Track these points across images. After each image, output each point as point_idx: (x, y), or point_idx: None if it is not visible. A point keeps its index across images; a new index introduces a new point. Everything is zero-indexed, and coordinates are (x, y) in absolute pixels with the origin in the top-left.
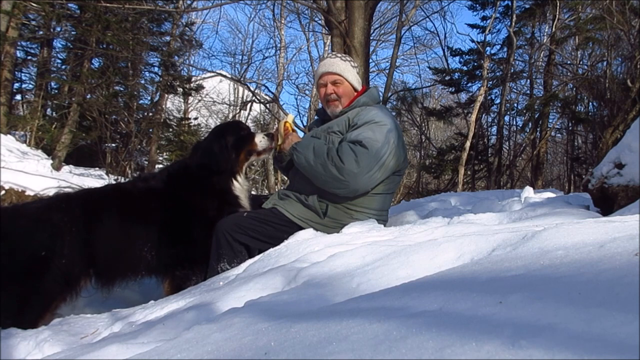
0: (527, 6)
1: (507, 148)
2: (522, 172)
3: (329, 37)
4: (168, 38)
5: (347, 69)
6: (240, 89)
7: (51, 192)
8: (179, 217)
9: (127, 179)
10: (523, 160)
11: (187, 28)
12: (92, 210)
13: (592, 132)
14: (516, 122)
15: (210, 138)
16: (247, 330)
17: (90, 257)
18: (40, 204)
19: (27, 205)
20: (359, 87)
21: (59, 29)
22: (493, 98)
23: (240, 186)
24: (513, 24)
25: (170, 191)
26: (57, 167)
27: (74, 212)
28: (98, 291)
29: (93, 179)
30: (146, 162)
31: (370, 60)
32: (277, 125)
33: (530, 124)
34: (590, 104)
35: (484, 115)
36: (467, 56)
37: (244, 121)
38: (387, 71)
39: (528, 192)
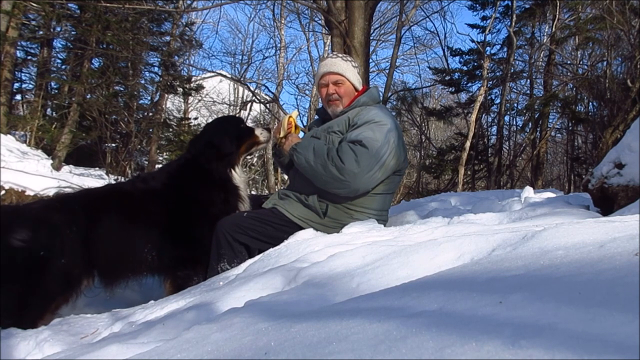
0: (527, 6)
1: (507, 148)
2: (522, 172)
3: (329, 37)
4: (168, 38)
5: (348, 69)
6: (240, 89)
7: (51, 192)
8: (182, 216)
9: (126, 179)
10: (523, 160)
11: (187, 28)
12: (92, 211)
13: (592, 132)
14: (516, 122)
15: (211, 127)
16: (247, 330)
17: (91, 258)
18: (39, 204)
19: (27, 205)
20: (360, 87)
21: (59, 29)
22: (493, 98)
23: (238, 176)
24: (513, 24)
25: (171, 190)
26: (57, 167)
27: (73, 213)
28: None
29: (93, 179)
30: (146, 162)
31: (370, 60)
32: (280, 120)
33: (530, 124)
34: (590, 104)
35: (484, 115)
36: (467, 56)
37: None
38: (387, 71)
39: (528, 192)
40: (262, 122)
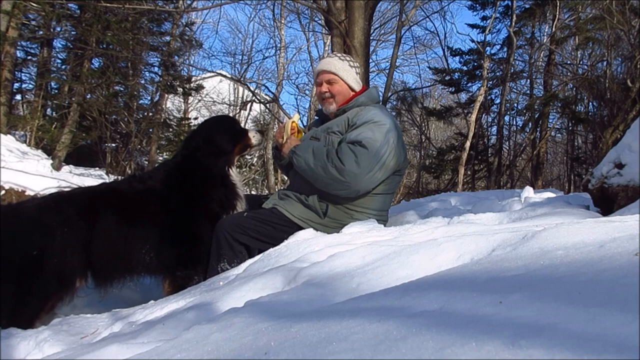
0: (527, 6)
1: (507, 148)
2: (522, 172)
3: (329, 37)
4: (168, 38)
5: (343, 68)
6: (240, 89)
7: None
8: (181, 215)
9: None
10: (523, 160)
11: (187, 28)
12: (86, 210)
13: (592, 132)
14: (516, 122)
15: (208, 125)
16: (247, 330)
17: (85, 257)
18: (32, 203)
19: (19, 204)
20: (357, 87)
21: (59, 29)
22: (493, 98)
23: (235, 175)
24: (513, 24)
25: (169, 189)
26: (57, 167)
27: (66, 212)
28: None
29: (93, 179)
30: (146, 162)
31: (370, 60)
32: (282, 124)
33: (530, 124)
34: (590, 104)
35: (484, 115)
36: (467, 56)
37: (243, 121)
38: (387, 71)
39: (528, 192)
40: (261, 122)
